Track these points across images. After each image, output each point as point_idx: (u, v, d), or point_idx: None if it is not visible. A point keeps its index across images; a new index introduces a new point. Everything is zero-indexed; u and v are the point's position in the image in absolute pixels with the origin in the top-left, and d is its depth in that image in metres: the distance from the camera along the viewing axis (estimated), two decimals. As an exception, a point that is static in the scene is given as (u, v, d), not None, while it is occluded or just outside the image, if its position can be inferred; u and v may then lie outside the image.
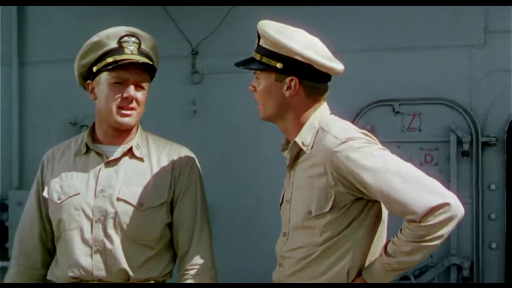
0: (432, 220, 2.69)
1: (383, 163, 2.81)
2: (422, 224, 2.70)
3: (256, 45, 3.12)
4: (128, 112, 3.31)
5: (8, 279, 3.54)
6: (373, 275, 2.91)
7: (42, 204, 3.47)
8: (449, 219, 2.71)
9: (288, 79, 3.01)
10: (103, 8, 6.06)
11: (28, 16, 6.61)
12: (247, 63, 3.13)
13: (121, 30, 3.34)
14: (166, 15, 6.03)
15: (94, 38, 3.33)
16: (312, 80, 3.03)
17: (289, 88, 3.02)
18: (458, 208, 2.73)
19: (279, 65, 3.01)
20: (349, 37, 5.56)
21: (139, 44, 3.34)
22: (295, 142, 3.04)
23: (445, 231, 2.73)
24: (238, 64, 3.16)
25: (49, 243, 3.48)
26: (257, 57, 3.07)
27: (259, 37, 3.10)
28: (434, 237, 2.72)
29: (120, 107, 3.29)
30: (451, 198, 2.74)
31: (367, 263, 2.96)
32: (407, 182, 2.75)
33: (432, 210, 2.69)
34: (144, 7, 5.94)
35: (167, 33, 5.99)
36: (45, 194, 3.45)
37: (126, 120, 3.32)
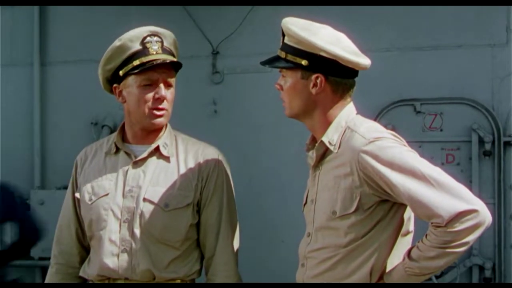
0: (459, 226, 2.66)
1: (411, 164, 2.77)
2: (448, 229, 2.66)
3: (281, 43, 3.09)
4: (161, 112, 3.31)
5: (48, 277, 3.60)
6: (395, 279, 2.88)
7: (77, 204, 3.49)
8: (476, 226, 2.67)
9: (314, 76, 2.98)
10: (124, 8, 6.08)
11: (50, 16, 6.64)
12: (272, 62, 3.10)
13: (143, 31, 3.32)
14: (187, 15, 6.04)
15: (117, 43, 3.31)
16: (338, 76, 3.00)
17: (315, 85, 2.98)
18: (486, 215, 2.68)
19: (304, 62, 2.97)
20: (372, 37, 5.54)
21: (162, 42, 3.33)
22: (321, 141, 3.01)
23: (471, 238, 2.69)
24: (264, 63, 3.13)
25: (86, 241, 3.50)
26: (282, 55, 3.03)
27: (283, 35, 3.08)
28: (459, 243, 2.68)
29: (152, 109, 3.31)
30: (480, 205, 2.69)
31: (390, 267, 2.93)
32: (434, 186, 2.71)
33: (459, 216, 2.65)
34: (165, 7, 5.95)
35: (188, 33, 6.01)
36: (77, 195, 3.48)
37: (159, 120, 3.32)
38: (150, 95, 3.28)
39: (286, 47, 3.02)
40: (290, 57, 3.00)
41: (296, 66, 2.99)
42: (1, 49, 6.53)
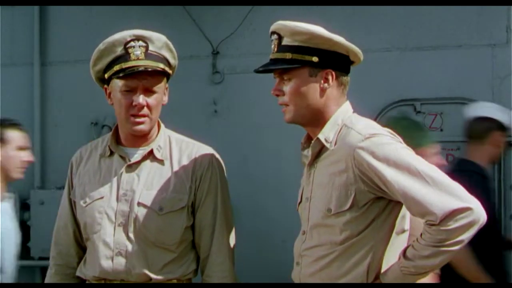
0: (453, 225, 2.66)
1: (407, 162, 2.77)
2: (442, 228, 2.67)
3: (275, 47, 3.07)
4: (141, 119, 3.27)
5: (47, 279, 3.61)
6: (391, 279, 2.87)
7: (73, 206, 3.49)
8: (470, 224, 2.67)
9: (324, 72, 2.97)
10: (124, 8, 6.08)
11: (50, 16, 6.64)
12: (270, 66, 3.04)
13: (127, 35, 3.28)
14: (187, 15, 6.04)
15: (101, 46, 3.29)
16: (344, 71, 3.02)
17: (326, 81, 2.98)
18: (480, 213, 2.69)
19: (314, 59, 2.96)
20: (373, 36, 5.55)
21: (147, 47, 3.28)
22: (317, 139, 3.01)
23: (466, 236, 2.69)
24: (260, 70, 3.07)
25: (83, 242, 3.50)
26: (287, 56, 2.99)
27: (280, 38, 3.05)
28: (454, 242, 2.68)
29: (132, 115, 3.28)
30: (474, 203, 2.69)
31: (386, 266, 2.93)
32: (429, 184, 2.72)
33: (453, 214, 2.66)
34: (165, 7, 5.95)
35: (188, 33, 6.01)
36: (72, 197, 3.48)
37: (139, 128, 3.29)
38: (128, 102, 3.26)
39: (289, 48, 2.99)
40: (297, 56, 2.97)
41: (305, 64, 2.98)
42: (1, 49, 6.53)
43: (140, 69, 3.22)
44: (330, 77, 2.97)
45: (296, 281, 3.13)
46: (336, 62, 2.98)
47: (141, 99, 3.25)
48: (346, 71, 3.04)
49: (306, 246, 3.05)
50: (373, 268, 2.91)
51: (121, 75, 3.22)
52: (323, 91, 2.99)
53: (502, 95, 5.41)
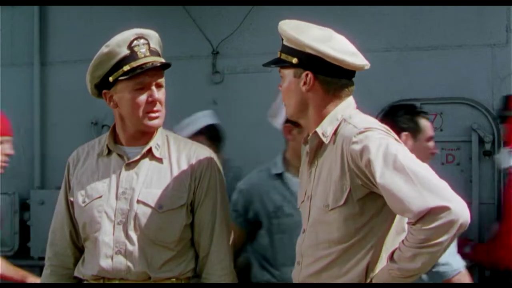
0: (431, 224, 2.61)
1: (393, 156, 2.74)
2: (423, 227, 2.62)
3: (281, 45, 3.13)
4: (156, 114, 3.32)
5: (43, 279, 3.62)
6: (381, 280, 2.86)
7: (70, 206, 3.49)
8: (449, 225, 2.61)
9: (304, 73, 3.00)
10: (124, 8, 6.08)
11: (50, 16, 6.64)
12: (271, 63, 3.14)
13: (129, 34, 3.31)
14: (187, 15, 6.04)
15: (104, 49, 3.29)
16: (328, 74, 3.00)
17: (305, 83, 3.00)
18: (459, 214, 2.62)
19: (294, 60, 3.00)
20: (372, 37, 5.55)
21: (148, 44, 3.32)
22: (315, 132, 3.01)
23: (445, 238, 2.63)
24: (264, 64, 3.17)
25: (80, 243, 3.51)
26: (278, 55, 3.09)
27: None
28: (434, 243, 2.63)
29: (147, 112, 3.30)
30: (455, 202, 2.63)
31: (382, 266, 2.92)
32: (411, 180, 2.68)
33: (431, 212, 2.61)
34: (165, 7, 5.95)
35: (188, 33, 6.01)
36: (70, 197, 3.48)
37: (155, 122, 3.34)
38: (143, 99, 3.28)
39: (282, 48, 3.07)
40: (283, 56, 3.04)
41: (287, 65, 3.03)
42: (1, 49, 6.53)
43: (150, 65, 3.26)
44: (308, 80, 2.99)
45: (296, 281, 3.13)
46: (316, 64, 2.97)
47: (156, 94, 3.30)
48: (334, 75, 3.01)
49: (306, 245, 3.05)
50: (371, 268, 2.91)
51: (138, 71, 3.24)
52: (304, 93, 3.01)
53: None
